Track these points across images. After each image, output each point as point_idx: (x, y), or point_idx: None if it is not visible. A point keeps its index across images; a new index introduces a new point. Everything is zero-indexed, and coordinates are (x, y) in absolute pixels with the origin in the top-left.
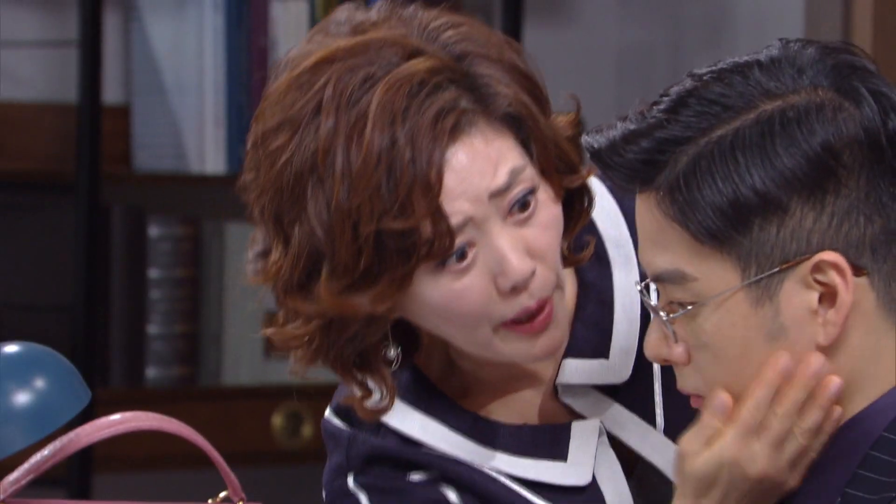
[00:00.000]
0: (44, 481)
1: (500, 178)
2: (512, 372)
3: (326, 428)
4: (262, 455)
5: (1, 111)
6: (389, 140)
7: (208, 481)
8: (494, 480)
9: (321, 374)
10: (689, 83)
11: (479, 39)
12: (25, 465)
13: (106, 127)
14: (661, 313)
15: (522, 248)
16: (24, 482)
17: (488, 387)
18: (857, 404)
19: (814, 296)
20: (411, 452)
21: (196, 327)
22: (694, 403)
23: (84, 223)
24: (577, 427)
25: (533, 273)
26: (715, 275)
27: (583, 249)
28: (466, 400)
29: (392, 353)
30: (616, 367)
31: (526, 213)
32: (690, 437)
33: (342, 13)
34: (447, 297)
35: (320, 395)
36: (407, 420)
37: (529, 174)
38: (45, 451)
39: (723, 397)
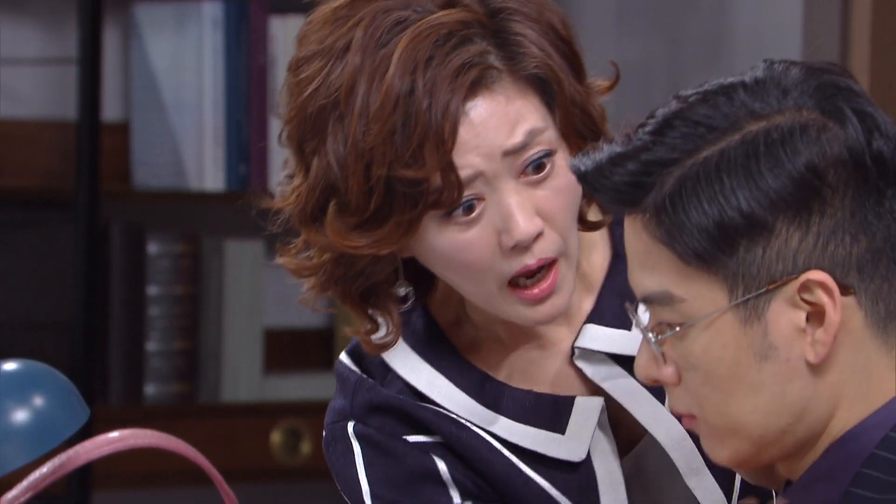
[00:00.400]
0: (43, 499)
1: (516, 138)
2: (524, 330)
3: (338, 369)
4: (261, 472)
5: (0, 128)
6: (409, 86)
7: (207, 499)
8: (491, 447)
9: (320, 391)
10: (674, 105)
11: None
12: (24, 483)
13: (105, 144)
14: (650, 335)
15: (531, 208)
16: (23, 500)
17: (499, 343)
18: (847, 422)
19: (801, 315)
20: (415, 408)
21: (195, 344)
22: (686, 424)
23: (83, 240)
24: (580, 402)
25: (539, 234)
26: (702, 296)
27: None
28: (476, 354)
29: (402, 291)
30: (636, 339)
31: (540, 175)
32: None
33: None
34: (451, 246)
35: (319, 412)
36: (415, 372)
37: (549, 137)
38: (44, 469)
39: None
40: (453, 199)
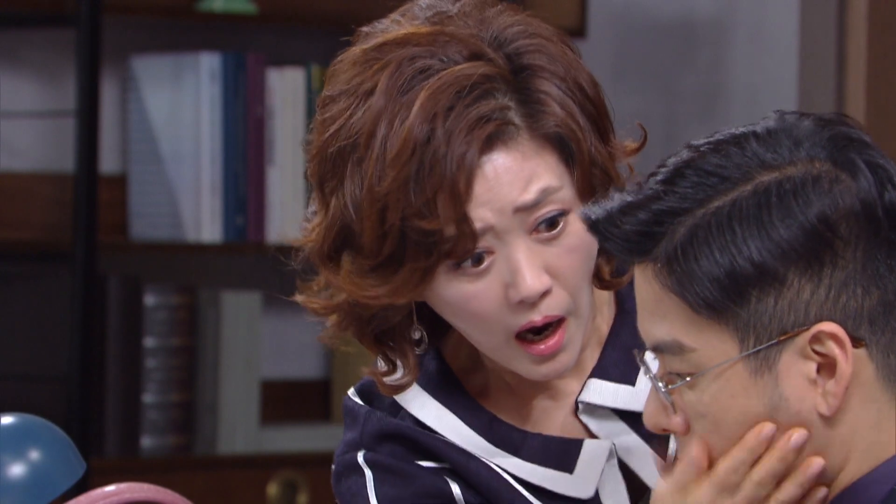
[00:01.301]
0: None
1: (529, 195)
2: (534, 380)
3: (346, 404)
4: None
5: None
6: (427, 135)
7: None
8: (500, 477)
9: (317, 443)
10: (685, 154)
11: (551, 53)
12: None
13: (102, 196)
14: (660, 384)
15: (540, 265)
16: None
17: (509, 390)
18: (855, 474)
19: (812, 367)
20: (424, 437)
21: (191, 396)
22: None
23: (80, 292)
24: (588, 445)
25: (546, 292)
26: (713, 346)
27: (623, 275)
28: (487, 399)
29: (417, 334)
30: (640, 395)
31: (553, 233)
32: (666, 484)
33: None
34: (460, 297)
35: (315, 464)
36: (425, 408)
37: (563, 196)
38: None
39: (697, 451)
40: (466, 249)
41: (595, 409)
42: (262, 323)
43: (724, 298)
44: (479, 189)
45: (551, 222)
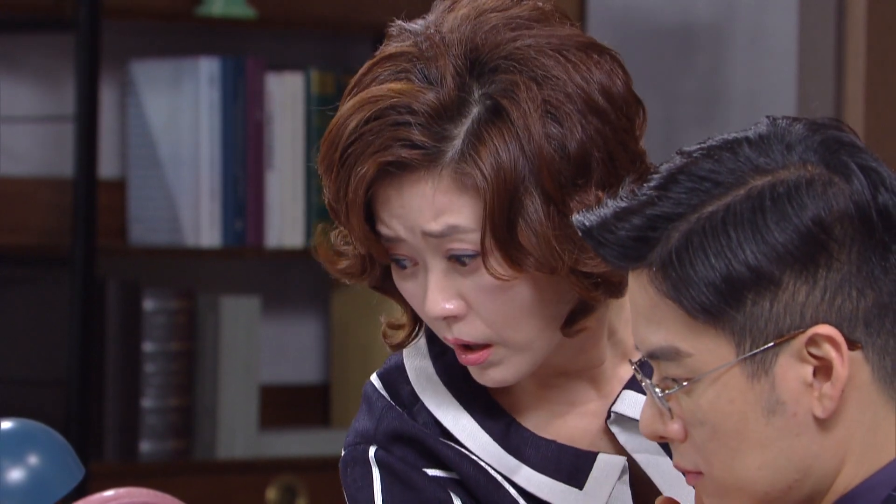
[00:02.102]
0: None
1: (436, 226)
2: (550, 383)
3: (366, 390)
4: None
5: None
6: (353, 137)
7: None
8: (507, 494)
9: (316, 448)
10: (678, 160)
11: (552, 100)
12: None
13: (101, 201)
14: (656, 390)
15: (452, 290)
16: None
17: (528, 391)
18: (852, 479)
19: (809, 370)
20: (437, 443)
21: (190, 401)
22: (690, 481)
23: (79, 297)
24: (601, 460)
25: (455, 317)
26: (709, 350)
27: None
28: (506, 397)
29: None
30: None
31: (464, 268)
32: None
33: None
34: (400, 287)
35: (315, 468)
36: (443, 407)
37: (475, 238)
38: None
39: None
40: (380, 257)
41: (626, 422)
42: (262, 327)
43: (720, 302)
44: (395, 202)
45: (459, 258)
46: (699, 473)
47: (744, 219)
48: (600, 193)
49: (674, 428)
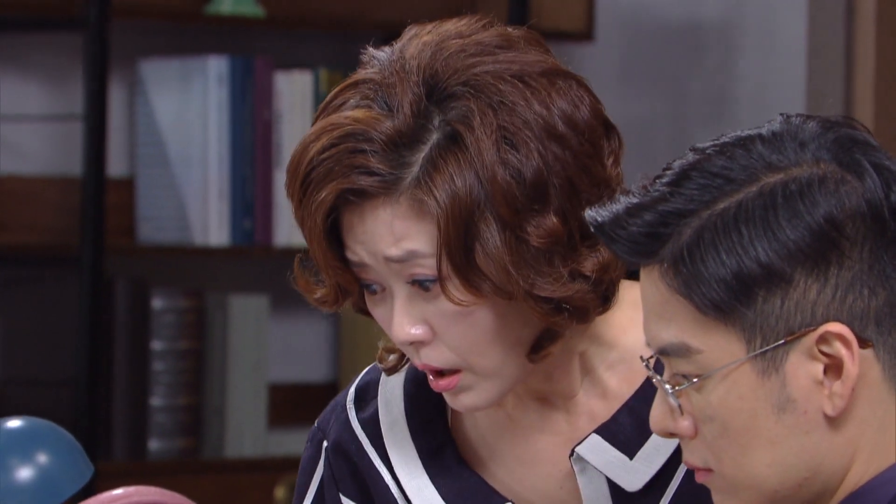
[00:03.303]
0: None
1: (397, 251)
2: (533, 411)
3: (340, 393)
4: None
5: (6, 184)
6: (313, 165)
7: None
8: None
9: None
10: (691, 157)
11: (508, 126)
12: None
13: (110, 200)
14: (667, 386)
15: (417, 316)
16: None
17: (502, 420)
18: (862, 476)
19: (819, 367)
20: (367, 471)
21: (199, 399)
22: (699, 479)
23: (88, 296)
24: None
25: (422, 342)
26: (720, 347)
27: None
28: (482, 432)
29: None
30: (633, 472)
31: (427, 293)
32: None
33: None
34: (371, 311)
35: None
36: (407, 469)
37: (434, 263)
38: None
39: None
40: (348, 284)
41: (588, 469)
42: (270, 326)
43: (731, 299)
44: (358, 228)
45: (422, 283)
46: (709, 471)
47: (756, 216)
48: (556, 220)
49: (684, 425)
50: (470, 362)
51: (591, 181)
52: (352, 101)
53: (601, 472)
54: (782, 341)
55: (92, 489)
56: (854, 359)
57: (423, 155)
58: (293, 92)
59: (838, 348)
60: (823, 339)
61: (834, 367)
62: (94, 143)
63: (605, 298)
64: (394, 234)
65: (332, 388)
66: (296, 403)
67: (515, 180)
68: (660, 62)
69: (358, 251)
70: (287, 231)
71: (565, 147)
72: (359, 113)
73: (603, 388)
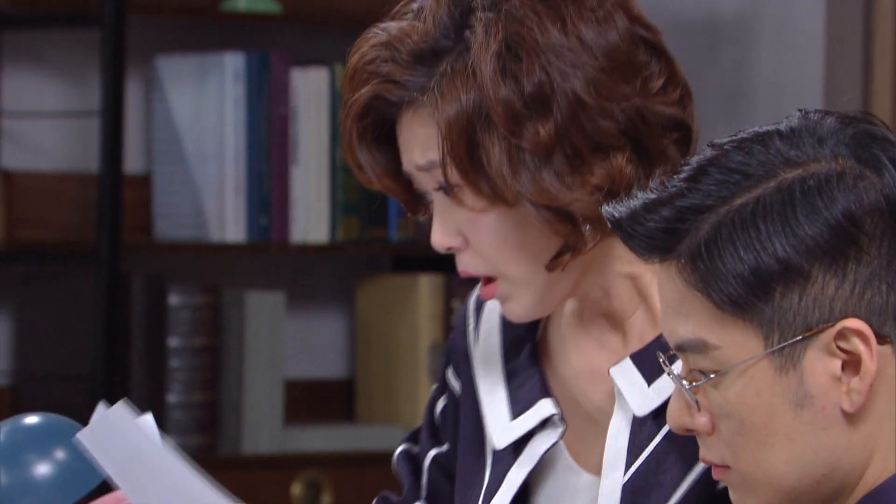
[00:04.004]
0: None
1: (420, 160)
2: (595, 325)
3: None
4: None
5: (23, 181)
6: (352, 72)
7: None
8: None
9: (341, 443)
10: (709, 152)
11: (514, 38)
12: None
13: (127, 196)
14: (684, 382)
15: (452, 224)
16: None
17: (573, 326)
18: (882, 473)
19: (837, 363)
20: (461, 366)
21: (216, 396)
22: (716, 475)
23: (104, 292)
24: (542, 405)
25: (458, 249)
26: (737, 343)
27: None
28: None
29: None
30: (645, 398)
31: (454, 200)
32: None
33: None
34: None
35: (339, 464)
36: (489, 375)
37: (446, 172)
38: None
39: None
40: (398, 185)
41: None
42: (286, 323)
43: (749, 295)
44: (400, 139)
45: (446, 190)
46: (726, 467)
47: (773, 211)
48: (552, 129)
49: (701, 421)
50: (500, 269)
51: (606, 96)
52: (400, 12)
53: (622, 394)
54: (800, 337)
55: (109, 487)
56: (872, 355)
57: (440, 69)
58: (309, 88)
59: (856, 344)
60: (841, 335)
61: (852, 364)
62: (110, 140)
63: None
64: (419, 143)
65: (347, 385)
66: (312, 400)
67: (515, 92)
68: (676, 57)
69: (403, 160)
70: (303, 227)
71: (576, 65)
72: (399, 24)
73: (655, 315)
